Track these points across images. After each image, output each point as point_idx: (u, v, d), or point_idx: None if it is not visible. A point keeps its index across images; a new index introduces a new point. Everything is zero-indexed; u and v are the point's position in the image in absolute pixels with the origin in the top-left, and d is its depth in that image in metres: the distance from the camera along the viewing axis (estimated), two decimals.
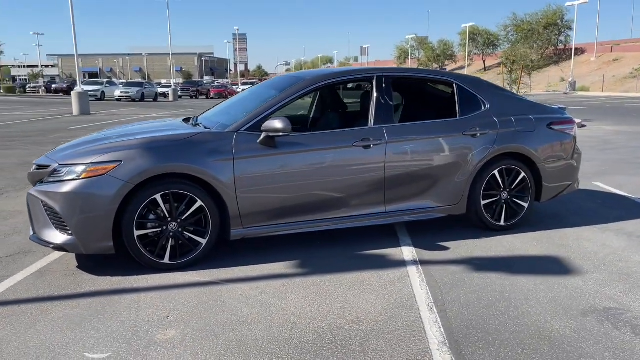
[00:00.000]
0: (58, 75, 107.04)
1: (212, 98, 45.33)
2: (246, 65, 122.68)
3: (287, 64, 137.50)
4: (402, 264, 4.28)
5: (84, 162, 3.99)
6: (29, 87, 57.50)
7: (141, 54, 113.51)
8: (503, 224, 5.12)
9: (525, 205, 5.18)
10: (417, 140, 4.74)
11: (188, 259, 4.18)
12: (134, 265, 4.15)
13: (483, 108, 5.05)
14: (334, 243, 4.80)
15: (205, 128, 4.52)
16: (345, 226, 4.63)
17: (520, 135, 5.06)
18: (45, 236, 4.05)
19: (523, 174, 5.10)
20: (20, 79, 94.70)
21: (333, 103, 6.01)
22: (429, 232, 5.10)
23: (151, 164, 3.97)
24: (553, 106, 5.70)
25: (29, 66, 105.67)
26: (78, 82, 24.34)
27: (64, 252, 4.32)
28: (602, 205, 6.18)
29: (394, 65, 79.69)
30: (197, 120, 5.04)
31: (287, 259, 4.39)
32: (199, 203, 4.13)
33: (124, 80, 60.86)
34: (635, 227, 5.26)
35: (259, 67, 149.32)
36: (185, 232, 4.17)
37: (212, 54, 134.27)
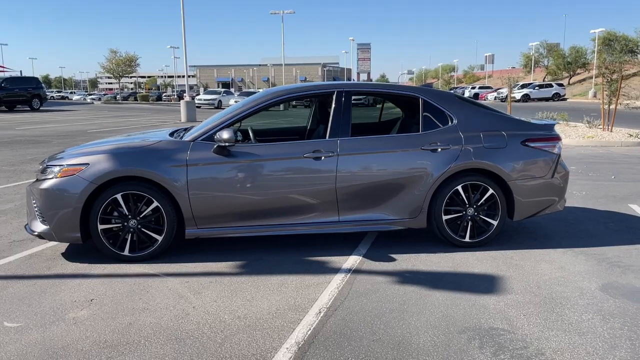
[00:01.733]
0: (196, 85, 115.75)
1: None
2: (368, 74, 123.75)
3: (411, 72, 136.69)
4: (334, 271, 4.47)
5: (60, 164, 4.69)
6: (165, 96, 63.17)
7: (267, 65, 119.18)
8: (468, 240, 5.06)
9: (494, 222, 5.07)
10: (371, 154, 4.88)
11: (145, 252, 4.73)
12: (107, 255, 4.77)
13: (449, 123, 5.05)
14: (288, 248, 5.09)
15: (176, 137, 5.04)
16: (298, 232, 4.90)
17: (488, 152, 4.98)
18: (32, 225, 4.81)
19: (491, 191, 5.01)
20: (160, 88, 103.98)
21: (323, 116, 6.27)
22: (392, 243, 5.19)
23: (112, 167, 4.57)
24: (540, 121, 5.49)
25: (169, 76, 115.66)
26: (186, 92, 26.54)
27: (49, 240, 5.06)
28: (611, 229, 5.78)
29: (520, 74, 76.06)
30: (185, 130, 5.60)
31: (236, 260, 4.77)
32: (155, 204, 4.66)
33: (239, 90, 64.37)
34: (618, 253, 4.92)
35: (383, 76, 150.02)
36: (143, 229, 4.72)
37: (337, 63, 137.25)
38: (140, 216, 4.69)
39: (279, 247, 5.11)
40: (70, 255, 4.93)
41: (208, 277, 4.36)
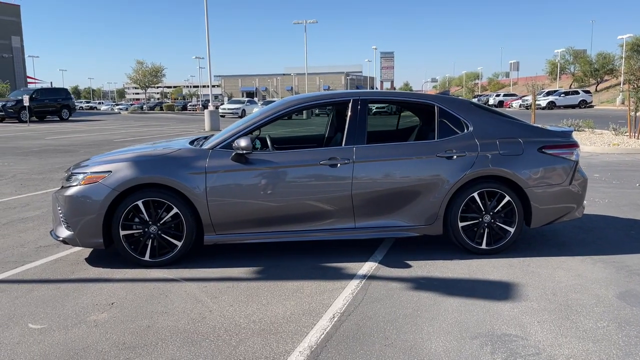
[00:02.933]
0: (220, 94, 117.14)
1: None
2: (392, 82, 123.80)
3: (434, 80, 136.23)
4: (350, 277, 4.52)
5: (84, 172, 4.85)
6: (190, 105, 64.11)
7: (290, 74, 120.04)
8: (485, 247, 5.06)
9: (511, 229, 5.06)
10: (386, 161, 4.93)
11: (166, 257, 4.84)
12: (128, 261, 4.89)
13: (465, 130, 5.07)
14: (305, 254, 5.15)
15: (196, 146, 5.16)
16: (314, 238, 4.97)
17: (505, 159, 4.98)
18: (57, 231, 4.97)
19: (508, 198, 5.01)
20: (185, 98, 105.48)
21: (340, 124, 6.35)
22: (409, 250, 5.22)
23: (134, 175, 4.70)
24: (558, 128, 5.47)
25: (194, 86, 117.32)
26: (210, 101, 26.91)
27: (73, 246, 5.21)
28: (632, 237, 5.71)
29: (545, 81, 75.15)
30: (205, 138, 5.73)
31: (253, 265, 4.85)
32: (175, 210, 4.77)
33: (262, 99, 64.86)
34: (638, 262, 4.86)
35: (406, 84, 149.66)
36: (163, 235, 4.83)
37: (360, 72, 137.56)
38: (161, 222, 4.81)
39: (296, 253, 5.18)
40: (94, 260, 5.08)
41: (225, 282, 4.45)
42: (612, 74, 70.13)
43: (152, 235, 4.82)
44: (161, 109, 60.29)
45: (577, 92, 51.64)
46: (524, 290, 4.19)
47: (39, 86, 43.35)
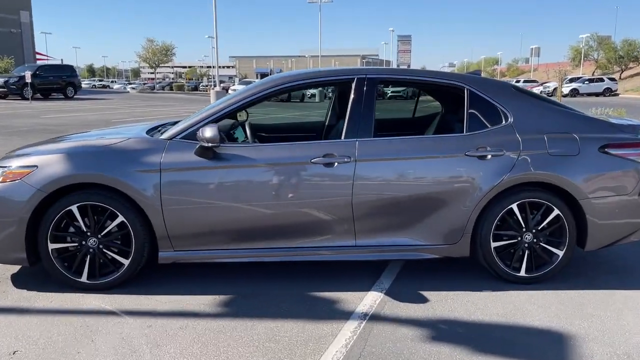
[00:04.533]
0: (235, 75, 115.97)
1: None
2: (409, 66, 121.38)
3: (452, 65, 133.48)
4: (345, 315, 3.38)
5: (4, 166, 3.73)
6: (202, 86, 62.96)
7: (305, 56, 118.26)
8: (524, 275, 3.88)
9: (560, 252, 3.88)
10: (399, 160, 3.75)
11: (108, 279, 3.73)
12: (60, 282, 3.79)
13: (503, 122, 3.87)
14: (290, 279, 4.01)
15: (155, 135, 4.01)
16: (303, 259, 3.83)
17: (554, 160, 3.78)
18: None
19: (557, 212, 3.81)
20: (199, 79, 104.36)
21: (342, 110, 5.15)
22: (424, 275, 4.06)
23: (64, 171, 3.58)
24: (624, 121, 4.24)
25: (208, 66, 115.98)
26: (217, 82, 25.77)
27: None
28: None
29: (567, 67, 72.66)
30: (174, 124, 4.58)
31: (220, 292, 3.72)
32: (121, 218, 3.65)
33: None
34: None
35: (423, 68, 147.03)
36: (106, 250, 3.72)
37: (377, 55, 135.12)
38: (103, 234, 3.69)
39: (279, 278, 4.04)
40: (21, 278, 3.99)
41: (179, 319, 3.33)
42: (638, 61, 67.74)
43: (91, 250, 3.71)
44: (171, 88, 59.20)
45: (601, 80, 49.62)
46: (584, 345, 3.02)
47: (48, 63, 42.38)
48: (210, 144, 3.55)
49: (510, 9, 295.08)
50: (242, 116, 5.20)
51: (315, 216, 3.74)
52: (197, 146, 3.64)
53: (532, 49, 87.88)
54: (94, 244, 3.70)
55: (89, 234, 3.69)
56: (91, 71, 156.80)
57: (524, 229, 3.86)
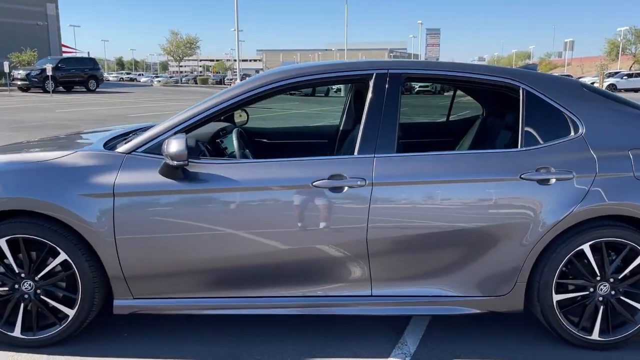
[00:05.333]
0: (261, 69, 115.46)
1: None
2: (437, 60, 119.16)
3: (482, 59, 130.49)
4: None
5: None
6: (227, 79, 62.39)
7: (332, 50, 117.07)
8: (598, 338, 2.90)
9: None
10: (429, 184, 2.80)
11: (48, 334, 2.89)
12: None
13: (572, 133, 2.88)
14: (286, 337, 3.09)
15: (114, 146, 3.12)
16: (302, 312, 2.92)
17: None
18: None
19: None
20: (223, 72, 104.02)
21: (359, 114, 4.20)
22: (460, 334, 3.11)
23: None
24: None
25: (234, 60, 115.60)
26: (238, 77, 24.97)
27: None
28: None
29: (602, 62, 69.91)
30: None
31: (194, 356, 2.83)
32: (63, 256, 2.79)
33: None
34: None
35: None
36: (45, 297, 2.86)
37: (405, 49, 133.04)
38: (41, 275, 2.84)
39: (272, 335, 3.12)
40: None
41: None
42: None
43: (26, 297, 2.86)
44: (195, 82, 58.74)
45: None
46: None
47: (71, 56, 42.19)
48: (175, 162, 2.65)
49: (542, 1, 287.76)
50: (241, 117, 4.32)
51: (317, 257, 2.82)
52: (162, 163, 2.74)
53: (566, 42, 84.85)
54: (29, 288, 2.85)
55: (23, 275, 2.84)
56: (120, 64, 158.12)
57: (598, 278, 2.87)
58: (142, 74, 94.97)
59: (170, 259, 2.81)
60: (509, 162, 2.81)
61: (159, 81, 59.61)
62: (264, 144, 4.33)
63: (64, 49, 52.86)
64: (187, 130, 2.88)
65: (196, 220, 2.77)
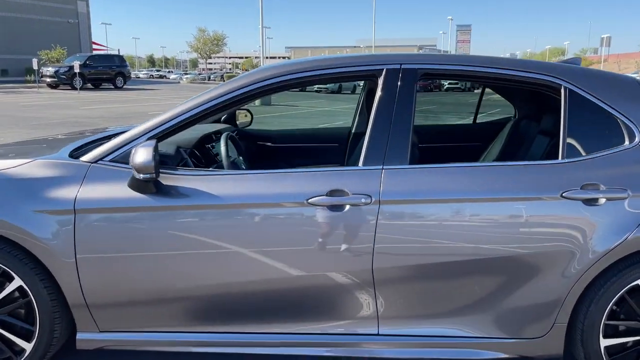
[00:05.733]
0: None
1: None
2: None
3: (514, 55, 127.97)
4: None
5: None
6: None
7: (360, 47, 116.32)
8: None
9: None
10: (449, 202, 2.31)
11: None
12: None
13: (626, 142, 2.35)
14: None
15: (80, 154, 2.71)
16: (295, 352, 2.46)
17: None
18: None
19: None
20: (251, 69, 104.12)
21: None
22: None
23: None
24: None
25: (265, 57, 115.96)
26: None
27: None
28: None
29: (638, 58, 67.43)
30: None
31: None
32: (18, 281, 2.39)
33: None
34: None
35: None
36: None
37: (435, 45, 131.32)
38: None
39: None
40: None
41: None
42: None
43: None
44: (222, 79, 58.84)
45: None
46: None
47: (99, 53, 42.56)
48: (141, 175, 2.22)
49: None
50: (245, 117, 3.90)
51: (315, 288, 2.36)
52: (131, 176, 2.31)
53: (602, 38, 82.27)
54: None
55: None
56: (151, 61, 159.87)
57: None
58: (172, 71, 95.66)
59: (140, 286, 2.39)
60: (548, 176, 2.31)
61: (187, 78, 59.82)
62: (267, 149, 3.90)
63: (94, 46, 53.47)
64: (162, 135, 2.46)
65: (170, 241, 2.35)
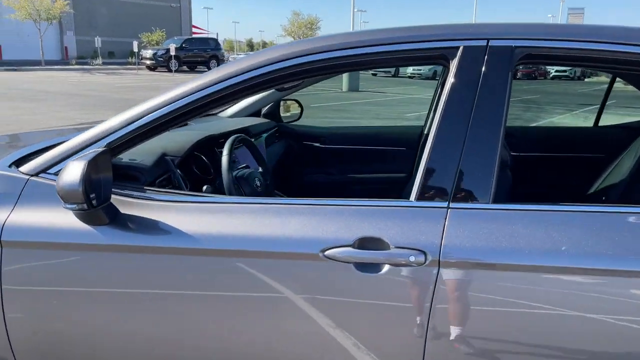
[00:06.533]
0: None
1: None
2: None
3: None
4: None
5: None
6: None
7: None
8: None
9: None
10: (563, 275, 1.37)
11: None
12: None
13: None
14: None
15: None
16: None
17: None
18: None
19: None
20: None
21: None
22: None
23: None
24: None
25: None
26: None
27: None
28: None
29: None
30: None
31: None
32: None
33: None
34: None
35: None
36: None
37: None
38: None
39: None
40: None
41: None
42: None
43: None
44: None
45: None
46: None
47: (197, 36, 43.59)
48: (67, 205, 1.48)
49: None
50: (291, 110, 3.13)
51: None
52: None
53: None
54: None
55: None
56: (250, 45, 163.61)
57: None
58: None
59: (85, 339, 1.68)
60: None
61: None
62: (314, 150, 3.07)
63: (194, 30, 54.98)
64: (122, 143, 1.70)
65: (125, 289, 1.60)
